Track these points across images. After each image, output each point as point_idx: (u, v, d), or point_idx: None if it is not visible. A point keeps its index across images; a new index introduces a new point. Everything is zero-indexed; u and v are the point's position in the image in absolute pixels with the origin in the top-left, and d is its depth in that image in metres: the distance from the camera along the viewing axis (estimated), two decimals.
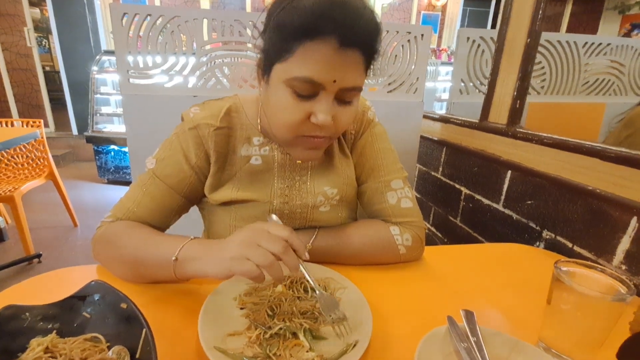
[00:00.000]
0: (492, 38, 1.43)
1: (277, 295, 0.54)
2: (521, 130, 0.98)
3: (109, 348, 0.40)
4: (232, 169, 0.65)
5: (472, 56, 1.44)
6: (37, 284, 0.57)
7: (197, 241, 0.53)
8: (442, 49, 4.88)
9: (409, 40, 1.19)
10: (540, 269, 0.73)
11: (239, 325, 0.48)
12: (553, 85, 1.59)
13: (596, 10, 5.44)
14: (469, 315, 0.48)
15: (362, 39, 0.49)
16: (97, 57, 3.24)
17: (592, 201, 0.77)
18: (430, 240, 1.43)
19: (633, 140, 1.17)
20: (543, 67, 1.55)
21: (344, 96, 0.53)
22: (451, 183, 1.28)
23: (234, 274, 0.46)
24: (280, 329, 0.47)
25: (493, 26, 5.87)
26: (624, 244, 0.71)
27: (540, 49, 1.44)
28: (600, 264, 0.62)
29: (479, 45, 1.43)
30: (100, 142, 3.24)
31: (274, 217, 0.57)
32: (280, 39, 0.50)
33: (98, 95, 3.27)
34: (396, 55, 1.21)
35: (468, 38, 1.42)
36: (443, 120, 1.33)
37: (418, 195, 1.53)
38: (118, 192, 3.09)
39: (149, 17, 1.02)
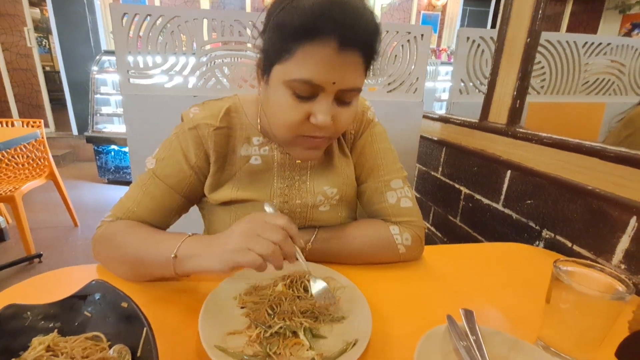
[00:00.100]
0: (492, 38, 1.43)
1: (277, 295, 0.54)
2: (521, 130, 0.98)
3: (110, 347, 0.40)
4: (231, 168, 0.65)
5: (472, 56, 1.44)
6: (38, 284, 0.58)
7: (195, 237, 0.53)
8: (442, 49, 4.88)
9: (408, 40, 1.20)
10: (539, 268, 0.73)
11: (239, 324, 0.49)
12: (553, 85, 1.59)
13: (596, 9, 5.43)
14: (469, 314, 0.48)
15: (361, 39, 0.49)
16: (97, 57, 3.24)
17: (591, 201, 0.77)
18: (430, 240, 1.43)
19: (633, 140, 1.17)
20: (543, 67, 1.55)
21: (344, 97, 0.53)
22: (451, 183, 1.28)
23: (237, 266, 0.46)
24: (281, 327, 0.47)
25: (493, 26, 5.87)
26: (623, 243, 0.71)
27: (540, 48, 1.44)
28: (600, 263, 0.62)
29: (478, 45, 1.43)
30: (100, 142, 3.24)
31: (269, 206, 0.57)
32: (280, 39, 0.50)
33: (98, 95, 3.27)
34: (396, 55, 1.21)
35: (468, 38, 1.42)
36: (443, 120, 1.33)
37: (418, 195, 1.53)
38: (118, 192, 3.08)
39: (149, 17, 1.02)
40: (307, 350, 0.44)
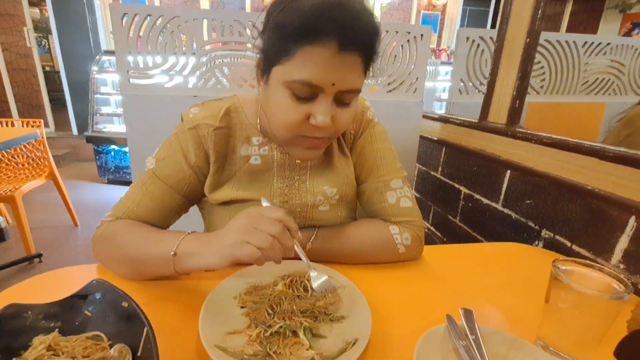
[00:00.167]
0: (491, 38, 1.43)
1: (277, 294, 0.54)
2: (520, 130, 0.98)
3: (110, 346, 0.40)
4: (231, 168, 0.66)
5: (472, 56, 1.44)
6: (38, 284, 0.58)
7: (194, 235, 0.53)
8: (442, 49, 4.88)
9: (408, 40, 1.20)
10: (539, 268, 0.73)
11: (239, 324, 0.49)
12: (552, 84, 1.59)
13: (597, 9, 5.43)
14: (468, 313, 0.49)
15: (361, 40, 0.49)
16: (97, 57, 3.24)
17: (591, 200, 0.78)
18: (430, 240, 1.43)
19: (632, 139, 1.17)
20: (542, 67, 1.55)
21: (343, 98, 0.53)
22: (450, 183, 1.28)
23: (236, 261, 0.46)
24: (280, 327, 0.47)
25: (493, 26, 5.87)
26: (623, 243, 0.71)
27: (539, 48, 1.44)
28: (599, 263, 0.63)
29: (478, 45, 1.43)
30: (100, 142, 3.24)
31: (266, 201, 0.57)
32: (280, 40, 0.50)
33: (98, 95, 3.27)
34: (396, 55, 1.21)
35: (467, 38, 1.42)
36: (442, 120, 1.33)
37: (417, 195, 1.53)
38: (118, 192, 3.09)
39: (149, 17, 1.03)
40: (307, 349, 0.44)
